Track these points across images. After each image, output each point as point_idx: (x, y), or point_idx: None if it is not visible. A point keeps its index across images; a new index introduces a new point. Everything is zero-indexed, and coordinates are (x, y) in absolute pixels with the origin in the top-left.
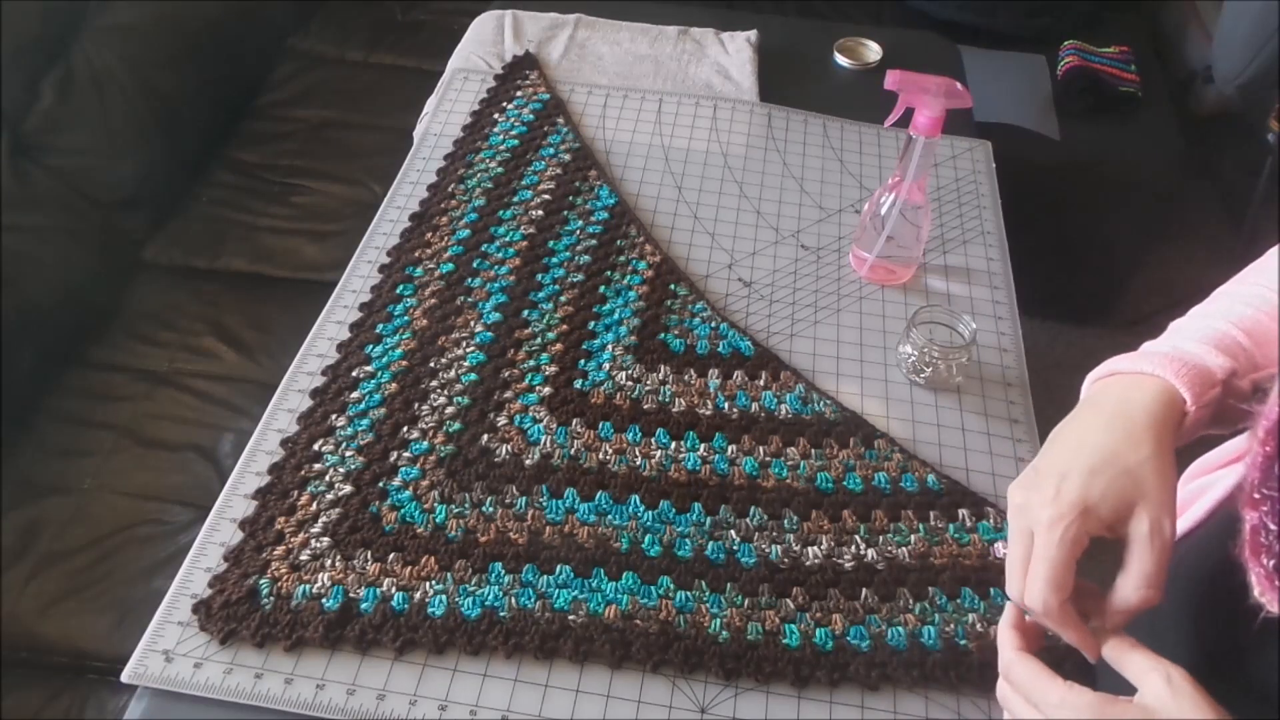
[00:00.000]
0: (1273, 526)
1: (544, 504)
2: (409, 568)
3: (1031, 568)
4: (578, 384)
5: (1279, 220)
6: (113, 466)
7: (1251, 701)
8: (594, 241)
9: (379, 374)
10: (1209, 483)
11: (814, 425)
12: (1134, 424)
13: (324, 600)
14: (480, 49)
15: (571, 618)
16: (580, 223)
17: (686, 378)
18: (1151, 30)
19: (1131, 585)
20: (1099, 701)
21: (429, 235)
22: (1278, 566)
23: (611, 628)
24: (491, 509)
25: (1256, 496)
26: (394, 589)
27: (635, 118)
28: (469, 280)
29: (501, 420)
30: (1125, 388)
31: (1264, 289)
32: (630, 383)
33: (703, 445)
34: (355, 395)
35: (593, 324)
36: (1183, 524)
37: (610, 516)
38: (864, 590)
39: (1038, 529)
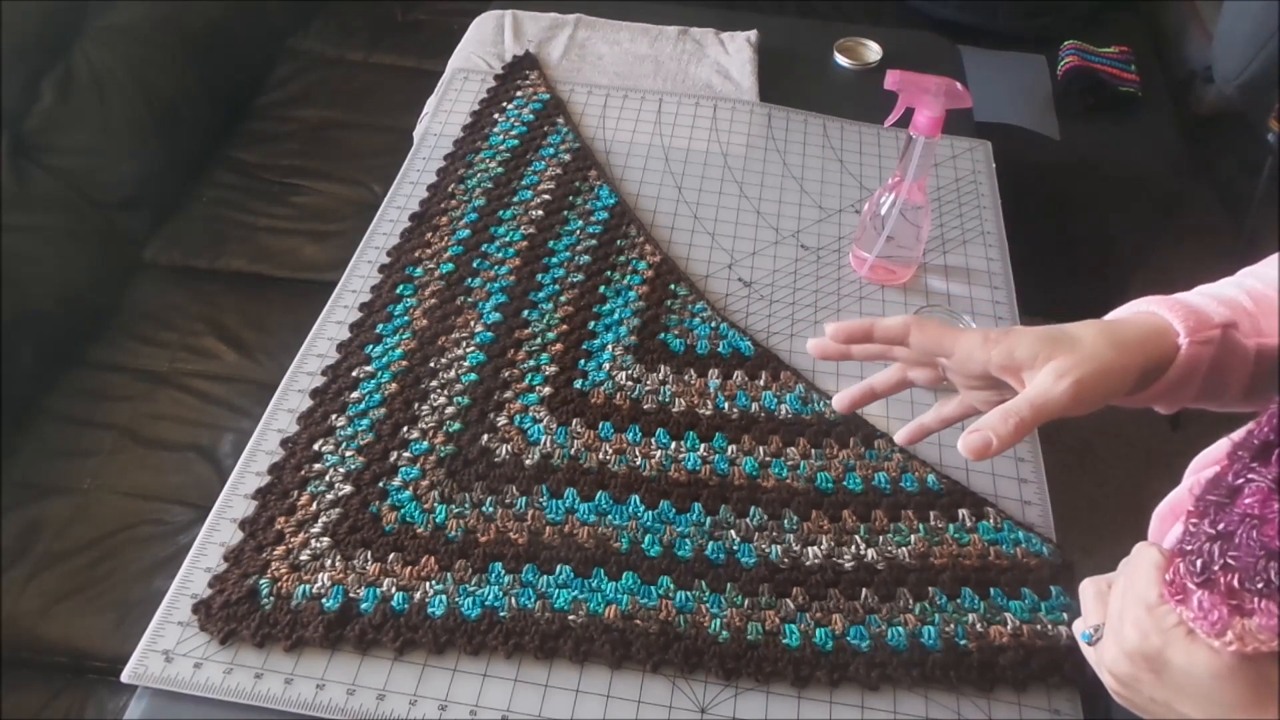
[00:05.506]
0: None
1: (544, 504)
2: (409, 568)
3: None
4: (578, 384)
5: (1279, 220)
6: (113, 466)
7: None
8: (594, 241)
9: (379, 374)
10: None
11: (814, 425)
12: (1107, 327)
13: (324, 600)
14: (480, 49)
15: (571, 618)
16: (580, 223)
17: (686, 378)
18: (1151, 30)
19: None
20: None
21: (429, 235)
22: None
23: (611, 628)
24: (491, 509)
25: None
26: (394, 589)
27: (635, 118)
28: (469, 280)
29: (501, 420)
30: (1113, 319)
31: (1272, 271)
32: (630, 383)
33: (703, 445)
34: (355, 395)
35: (593, 324)
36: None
37: (610, 516)
38: (864, 590)
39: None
